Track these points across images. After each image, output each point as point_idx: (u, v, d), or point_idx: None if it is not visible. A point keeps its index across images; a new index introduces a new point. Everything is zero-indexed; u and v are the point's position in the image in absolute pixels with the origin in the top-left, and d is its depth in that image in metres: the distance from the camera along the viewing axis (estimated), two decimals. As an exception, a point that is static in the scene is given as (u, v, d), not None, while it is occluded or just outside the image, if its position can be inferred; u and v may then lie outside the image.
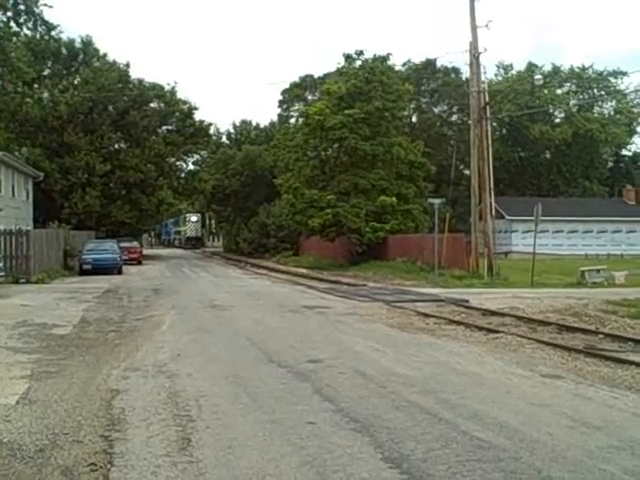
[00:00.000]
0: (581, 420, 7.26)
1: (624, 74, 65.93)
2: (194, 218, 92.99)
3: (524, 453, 6.08)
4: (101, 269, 33.63)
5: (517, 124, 63.93)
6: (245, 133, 72.00)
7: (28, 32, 45.78)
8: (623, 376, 9.61)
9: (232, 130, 73.65)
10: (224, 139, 73.61)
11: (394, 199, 37.01)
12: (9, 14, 41.37)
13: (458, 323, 15.34)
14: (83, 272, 33.79)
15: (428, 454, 6.04)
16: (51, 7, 42.62)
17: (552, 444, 6.37)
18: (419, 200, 39.33)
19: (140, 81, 56.60)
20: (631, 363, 10.38)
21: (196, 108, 59.33)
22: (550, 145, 64.72)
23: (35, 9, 41.97)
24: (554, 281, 27.40)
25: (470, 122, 32.32)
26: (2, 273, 24.16)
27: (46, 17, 43.56)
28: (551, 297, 20.51)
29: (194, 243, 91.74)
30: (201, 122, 60.43)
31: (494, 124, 56.23)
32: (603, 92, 68.55)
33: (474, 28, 29.70)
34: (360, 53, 41.32)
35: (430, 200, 31.01)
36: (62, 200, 49.94)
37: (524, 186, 65.03)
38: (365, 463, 5.80)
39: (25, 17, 42.43)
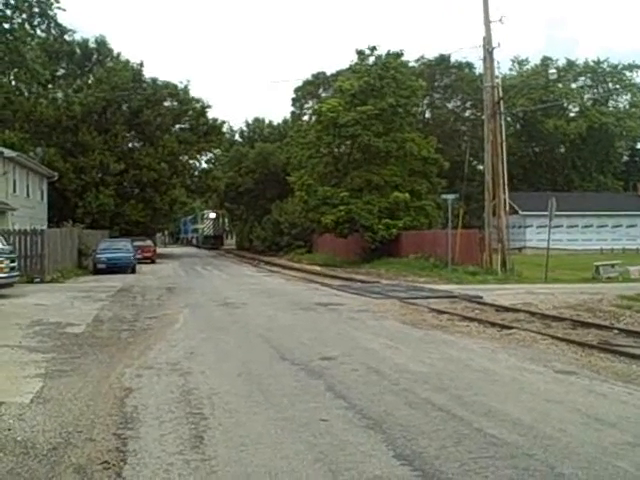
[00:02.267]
0: (595, 416, 7.22)
1: (639, 67, 65.57)
2: (213, 215, 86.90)
3: (537, 450, 6.04)
4: (115, 268, 33.76)
5: (531, 119, 63.74)
6: (258, 131, 72.07)
7: (42, 34, 46.03)
8: (638, 372, 9.55)
9: (245, 128, 73.82)
10: (237, 137, 73.75)
11: (407, 195, 36.95)
12: (24, 16, 41.56)
13: (471, 319, 15.29)
14: (97, 271, 33.93)
15: (441, 451, 6.01)
16: (64, 10, 42.74)
17: (566, 441, 6.33)
18: (432, 196, 39.29)
19: (153, 80, 56.90)
20: (646, 359, 10.31)
21: (209, 106, 59.61)
22: (564, 140, 64.46)
23: (49, 12, 42.14)
24: (568, 276, 27.28)
25: (484, 117, 32.21)
26: (17, 272, 24.21)
27: (60, 17, 43.75)
28: (565, 292, 20.42)
29: (213, 242, 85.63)
30: (214, 120, 60.62)
31: (508, 119, 56.05)
32: (618, 86, 68.11)
33: (487, 23, 29.61)
34: (373, 49, 41.22)
35: (443, 196, 30.97)
36: (76, 199, 50.20)
37: (538, 181, 64.77)
38: (377, 460, 5.78)
39: (39, 20, 42.61)
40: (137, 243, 43.48)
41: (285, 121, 69.99)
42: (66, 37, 48.53)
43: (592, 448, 6.11)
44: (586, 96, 68.71)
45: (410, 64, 50.70)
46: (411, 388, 8.55)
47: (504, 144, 30.40)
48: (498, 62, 31.16)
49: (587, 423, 6.97)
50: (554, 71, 65.43)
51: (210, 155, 67.23)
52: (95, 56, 56.89)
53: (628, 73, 67.72)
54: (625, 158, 72.00)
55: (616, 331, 13.19)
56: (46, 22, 42.68)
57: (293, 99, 67.59)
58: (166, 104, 57.53)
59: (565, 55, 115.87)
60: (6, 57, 37.05)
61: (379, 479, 5.36)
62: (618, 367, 9.91)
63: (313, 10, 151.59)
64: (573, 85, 68.35)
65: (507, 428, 6.74)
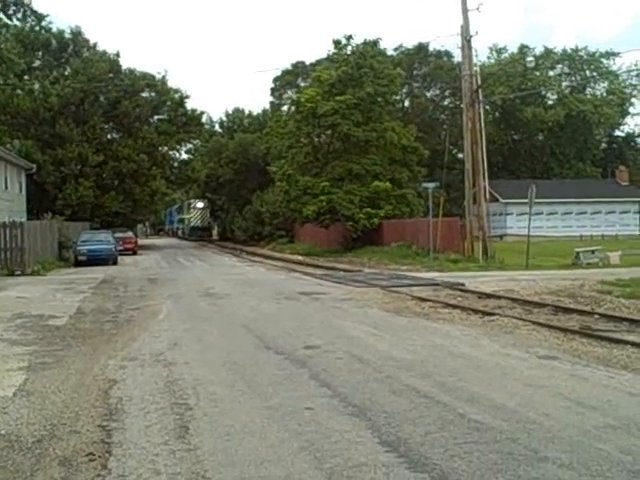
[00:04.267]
0: (577, 400, 7.29)
1: (616, 55, 66.13)
2: (200, 204, 78.76)
3: (521, 434, 6.10)
4: (96, 260, 33.57)
5: (510, 107, 63.98)
6: (238, 121, 71.71)
7: (18, 23, 45.54)
8: (619, 356, 9.64)
9: (225, 118, 73.42)
10: (217, 127, 73.39)
11: (388, 184, 37.00)
12: (-2, 5, 41.16)
13: (454, 306, 15.37)
14: (78, 263, 33.73)
15: (425, 437, 6.06)
16: (40, -4, 42.40)
17: (548, 425, 6.39)
18: (413, 185, 39.38)
19: (131, 71, 56.41)
20: (626, 343, 10.42)
21: (188, 97, 59.14)
22: (543, 127, 64.80)
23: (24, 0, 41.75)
24: (549, 263, 27.45)
25: (463, 106, 32.26)
26: (-3, 266, 24.12)
27: (35, 7, 43.43)
28: (546, 279, 20.57)
29: (200, 234, 78.00)
30: (193, 111, 60.27)
31: (487, 107, 56.16)
32: (595, 73, 68.51)
33: (465, 11, 29.59)
34: (349, 37, 41.01)
35: (424, 184, 31.01)
36: (55, 192, 49.84)
37: (518, 169, 65.10)
38: (363, 447, 5.81)
39: (14, 8, 42.19)
40: (118, 235, 43.27)
41: (264, 111, 69.73)
42: (43, 25, 48.11)
43: (575, 431, 6.19)
44: (564, 84, 69.08)
45: (388, 53, 50.81)
46: (395, 375, 8.59)
47: (483, 132, 30.46)
48: (476, 50, 31.29)
49: (569, 407, 7.05)
50: (532, 59, 65.82)
51: (190, 146, 66.99)
52: (71, 47, 56.20)
53: (605, 61, 68.20)
54: (603, 145, 72.50)
55: (597, 316, 13.31)
56: (21, 10, 42.30)
57: (272, 89, 67.42)
58: (144, 95, 57.06)
59: (542, 42, 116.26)
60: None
61: (365, 466, 5.38)
62: (599, 352, 10.00)
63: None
64: (551, 73, 68.68)
65: (491, 413, 6.80)
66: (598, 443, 5.85)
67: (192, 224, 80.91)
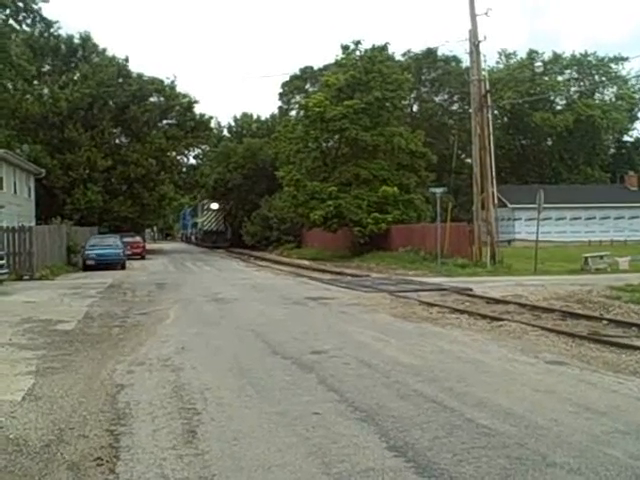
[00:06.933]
0: (586, 405, 7.26)
1: (625, 59, 65.92)
2: (214, 205, 70.35)
3: (529, 439, 6.08)
4: (104, 264, 33.66)
5: (518, 112, 63.85)
6: (246, 126, 71.82)
7: (27, 29, 45.77)
8: (627, 361, 9.61)
9: (233, 123, 73.57)
10: (225, 132, 73.53)
11: (396, 189, 36.97)
12: (8, 11, 41.32)
13: (462, 312, 15.33)
14: (86, 268, 33.85)
15: (433, 442, 6.04)
16: (47, 2, 42.45)
17: (557, 430, 6.37)
18: (421, 190, 39.33)
19: (139, 75, 56.57)
20: (635, 348, 10.38)
21: (196, 102, 59.37)
22: (552, 132, 64.61)
23: (34, 6, 41.93)
24: (557, 268, 27.38)
25: (471, 111, 32.25)
26: (6, 270, 24.15)
27: (44, 13, 43.59)
28: (555, 284, 20.51)
29: (215, 239, 70.36)
30: (202, 116, 60.45)
31: (495, 112, 56.19)
32: (604, 78, 68.34)
33: (473, 16, 29.64)
34: (358, 43, 41.18)
35: (432, 189, 30.95)
36: (64, 196, 49.99)
37: (526, 174, 64.88)
38: (370, 452, 5.80)
39: (24, 14, 42.39)
40: (126, 239, 43.38)
41: (273, 116, 69.80)
42: (52, 31, 48.35)
43: (583, 437, 6.16)
44: (572, 89, 68.87)
45: (397, 58, 50.81)
46: (403, 380, 8.57)
47: (491, 137, 30.46)
48: (485, 55, 31.37)
49: (578, 412, 7.02)
50: (540, 64, 65.74)
51: (198, 151, 67.14)
52: (80, 52, 56.49)
53: (614, 65, 68.02)
54: (612, 150, 72.22)
55: (605, 322, 13.26)
56: (31, 16, 42.50)
57: (280, 94, 67.40)
58: (153, 100, 57.26)
59: (551, 47, 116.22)
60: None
61: (372, 471, 5.37)
62: (608, 357, 9.97)
63: (300, 3, 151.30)
64: (559, 78, 68.51)
65: (499, 418, 6.78)
66: (607, 448, 5.82)
67: (205, 228, 73.46)
